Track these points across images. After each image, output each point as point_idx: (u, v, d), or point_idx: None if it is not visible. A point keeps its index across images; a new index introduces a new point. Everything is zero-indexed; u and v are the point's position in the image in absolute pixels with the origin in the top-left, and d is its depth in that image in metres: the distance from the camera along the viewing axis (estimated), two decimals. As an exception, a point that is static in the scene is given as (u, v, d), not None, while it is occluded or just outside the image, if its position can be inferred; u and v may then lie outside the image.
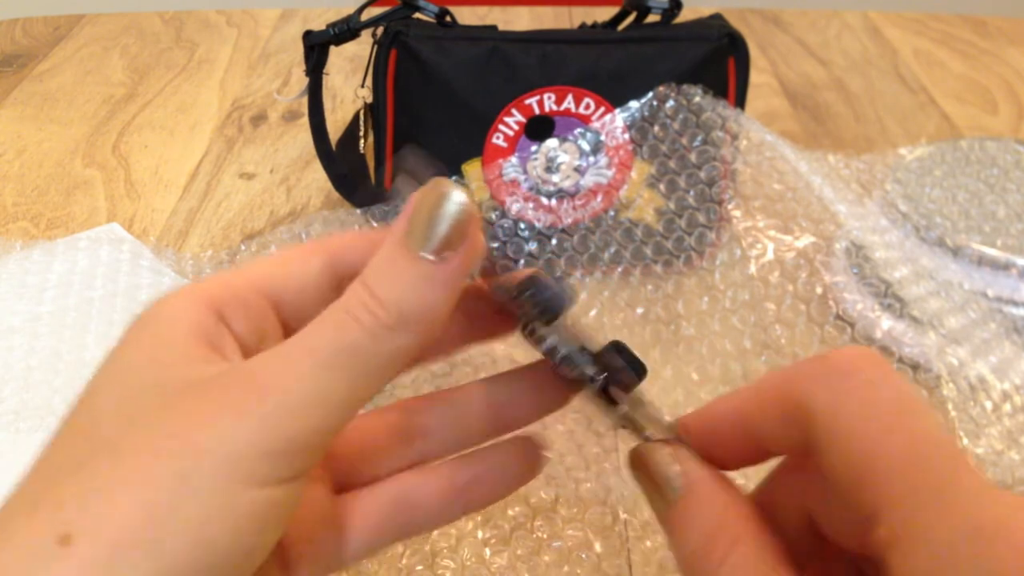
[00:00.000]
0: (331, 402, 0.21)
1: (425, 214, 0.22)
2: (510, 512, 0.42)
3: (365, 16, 0.59)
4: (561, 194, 0.56)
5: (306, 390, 0.21)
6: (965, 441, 0.43)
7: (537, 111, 0.57)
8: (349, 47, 0.63)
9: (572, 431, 0.45)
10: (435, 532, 0.41)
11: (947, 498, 0.19)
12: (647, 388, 0.26)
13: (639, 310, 0.53)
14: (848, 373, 0.21)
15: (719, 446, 0.24)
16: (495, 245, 0.55)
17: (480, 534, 0.41)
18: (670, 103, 0.55)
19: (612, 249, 0.55)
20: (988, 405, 0.44)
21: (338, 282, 0.25)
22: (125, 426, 0.21)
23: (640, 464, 0.24)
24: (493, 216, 0.56)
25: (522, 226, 0.56)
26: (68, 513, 0.19)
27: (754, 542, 0.22)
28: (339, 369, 0.21)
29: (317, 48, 0.61)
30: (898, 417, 0.20)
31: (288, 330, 0.25)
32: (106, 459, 0.20)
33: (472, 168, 0.57)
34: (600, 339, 0.26)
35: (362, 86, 0.61)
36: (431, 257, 0.22)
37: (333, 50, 0.62)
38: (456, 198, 0.22)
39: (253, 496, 0.20)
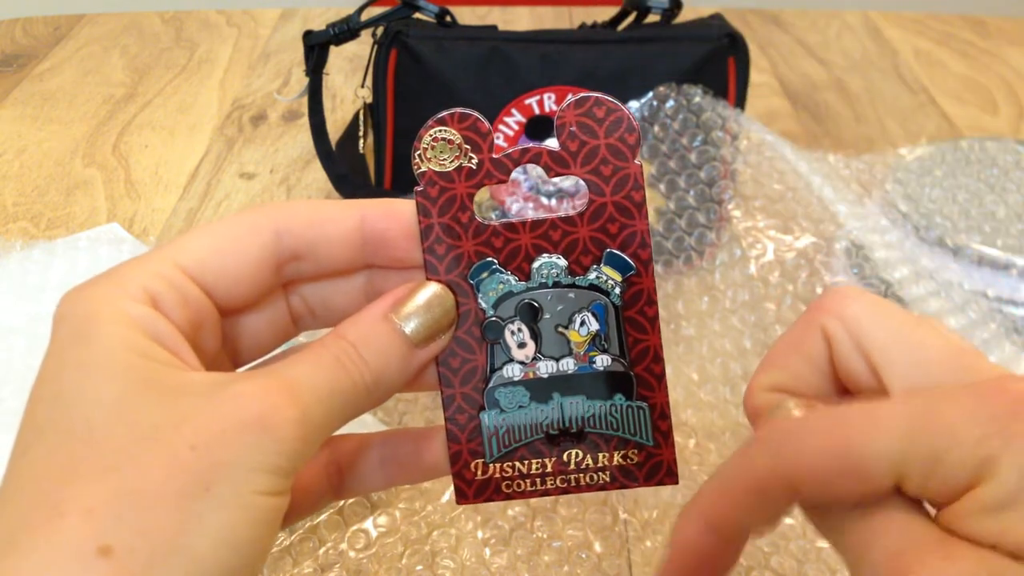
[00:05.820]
0: (323, 435, 0.24)
1: (423, 308, 0.26)
2: (510, 512, 0.42)
3: (365, 16, 0.59)
4: (561, 194, 0.56)
5: (309, 422, 0.23)
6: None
7: (537, 111, 0.57)
8: (349, 47, 0.63)
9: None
10: (435, 532, 0.41)
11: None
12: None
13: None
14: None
15: None
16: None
17: (480, 534, 0.41)
18: (670, 103, 0.55)
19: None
20: (988, 405, 0.44)
21: (279, 262, 0.26)
22: (133, 431, 0.21)
23: None
24: (493, 216, 0.56)
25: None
26: (103, 522, 0.20)
27: None
28: (331, 408, 0.24)
29: (317, 48, 0.61)
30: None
31: (222, 311, 0.26)
32: (127, 465, 0.21)
33: (472, 168, 0.57)
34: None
35: (362, 86, 0.61)
36: (409, 334, 0.25)
37: (333, 50, 0.62)
38: (450, 306, 0.26)
39: (268, 503, 0.22)
